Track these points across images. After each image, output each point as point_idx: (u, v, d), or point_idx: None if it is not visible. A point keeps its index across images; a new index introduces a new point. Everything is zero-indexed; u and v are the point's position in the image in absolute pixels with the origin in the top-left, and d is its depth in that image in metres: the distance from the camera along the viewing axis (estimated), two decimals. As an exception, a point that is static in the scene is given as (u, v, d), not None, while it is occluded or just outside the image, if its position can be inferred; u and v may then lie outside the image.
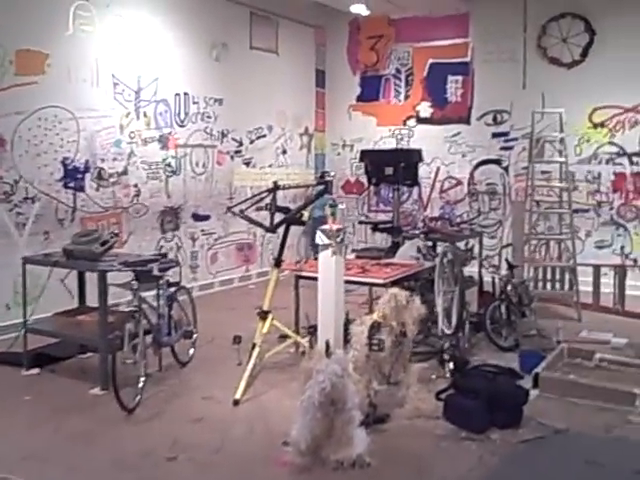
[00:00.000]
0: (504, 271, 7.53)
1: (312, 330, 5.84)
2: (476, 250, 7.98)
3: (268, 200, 6.03)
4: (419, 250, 6.76)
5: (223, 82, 9.67)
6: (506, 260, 7.75)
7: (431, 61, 10.84)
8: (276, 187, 6.09)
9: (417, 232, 7.36)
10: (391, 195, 10.11)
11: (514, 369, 5.59)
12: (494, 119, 10.36)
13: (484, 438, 4.49)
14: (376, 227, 8.84)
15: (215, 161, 9.66)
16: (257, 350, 5.54)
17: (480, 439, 4.47)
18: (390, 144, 11.05)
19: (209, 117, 9.49)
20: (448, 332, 5.89)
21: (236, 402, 5.09)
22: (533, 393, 5.23)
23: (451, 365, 5.70)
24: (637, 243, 9.57)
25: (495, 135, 10.38)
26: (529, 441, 4.47)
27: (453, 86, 10.68)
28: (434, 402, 4.93)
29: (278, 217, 5.98)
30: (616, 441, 4.55)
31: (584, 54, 9.72)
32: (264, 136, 10.55)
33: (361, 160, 9.04)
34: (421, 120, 10.96)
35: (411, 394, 4.90)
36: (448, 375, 5.56)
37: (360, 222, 10.64)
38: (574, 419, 4.86)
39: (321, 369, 3.91)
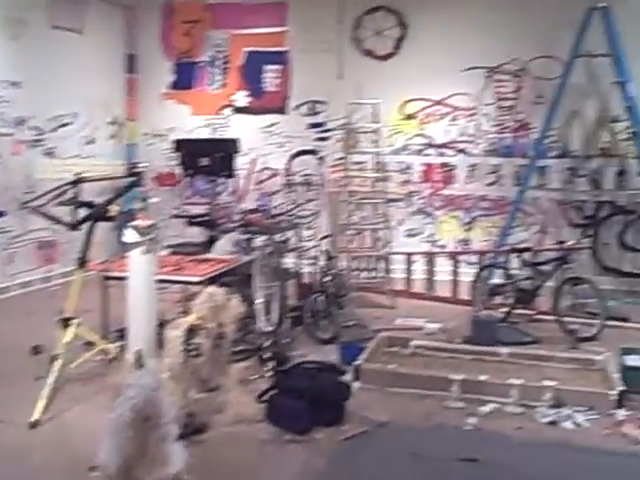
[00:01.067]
0: (323, 262, 7.50)
1: (121, 334, 5.38)
2: (294, 242, 7.89)
3: (71, 194, 5.47)
4: (236, 244, 6.50)
5: (20, 63, 8.75)
6: (325, 251, 7.73)
7: (248, 49, 10.59)
8: (79, 180, 5.54)
9: (234, 225, 7.11)
10: (207, 187, 9.77)
11: (336, 365, 5.51)
12: (311, 109, 10.35)
13: (309, 439, 4.35)
14: (191, 221, 8.44)
15: (11, 151, 8.72)
16: (59, 361, 4.97)
17: (305, 440, 4.33)
18: (205, 134, 10.67)
19: (5, 102, 8.54)
20: (268, 329, 5.71)
21: (34, 424, 4.51)
22: (355, 386, 5.20)
23: (272, 364, 5.51)
24: (444, 231, 10.03)
25: (312, 126, 10.38)
26: (354, 437, 4.40)
27: (270, 75, 10.52)
28: (256, 405, 4.71)
29: (84, 213, 5.45)
30: (436, 429, 4.61)
31: (397, 47, 9.99)
32: (68, 124, 9.72)
33: (176, 150, 8.60)
34: (238, 110, 10.69)
35: (231, 399, 4.64)
36: (269, 374, 5.36)
37: (174, 216, 10.15)
38: (396, 409, 4.88)
39: (132, 383, 3.52)
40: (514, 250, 8.02)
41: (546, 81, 9.38)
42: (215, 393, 4.66)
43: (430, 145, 10.01)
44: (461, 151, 9.92)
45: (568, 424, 4.67)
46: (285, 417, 4.47)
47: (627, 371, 5.36)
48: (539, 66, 9.45)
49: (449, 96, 9.86)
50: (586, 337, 6.70)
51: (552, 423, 4.68)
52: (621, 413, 4.83)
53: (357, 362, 5.48)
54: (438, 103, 9.93)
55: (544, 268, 7.49)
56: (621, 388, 4.99)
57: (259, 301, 5.81)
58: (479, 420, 4.72)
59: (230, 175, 8.65)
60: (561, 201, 9.56)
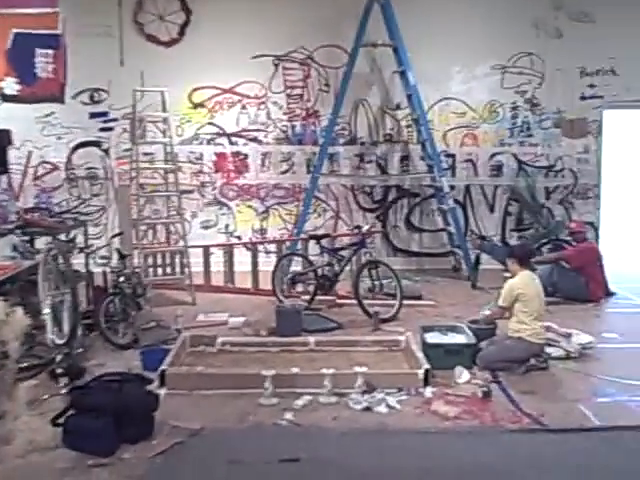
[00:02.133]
0: (115, 262, 6.94)
1: None
2: (81, 241, 7.26)
3: None
4: (15, 248, 5.78)
5: None
6: (117, 250, 7.17)
7: (15, 31, 9.49)
8: None
9: (11, 227, 6.32)
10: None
11: (140, 373, 5.06)
12: (91, 98, 9.58)
13: (115, 460, 3.92)
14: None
15: None
16: None
17: (111, 462, 3.89)
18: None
19: None
20: (60, 342, 5.12)
21: None
22: (162, 393, 4.82)
23: (66, 379, 4.94)
24: (240, 221, 9.85)
25: (93, 115, 9.61)
26: (166, 451, 4.05)
27: (43, 60, 9.54)
28: (50, 429, 4.15)
29: None
30: (253, 430, 4.40)
31: (181, 33, 9.56)
32: None
33: None
34: (7, 98, 9.56)
35: (20, 425, 4.05)
36: (64, 391, 4.79)
37: None
38: (208, 414, 4.60)
39: None
40: (313, 237, 8.06)
41: (332, 70, 9.54)
42: (1, 422, 4.05)
43: (221, 134, 9.75)
44: (253, 140, 9.78)
45: (382, 408, 4.70)
46: (86, 439, 3.98)
47: (429, 348, 5.56)
48: (325, 55, 9.58)
49: (238, 84, 9.66)
50: (386, 318, 6.89)
51: (367, 409, 4.69)
52: (429, 390, 4.98)
53: (161, 367, 5.10)
54: (227, 91, 9.69)
55: (343, 253, 7.61)
56: (426, 366, 5.14)
57: (46, 310, 5.19)
58: (295, 414, 4.59)
59: (3, 171, 7.74)
60: (351, 187, 9.81)
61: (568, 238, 8.58)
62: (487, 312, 6.08)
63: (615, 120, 10.14)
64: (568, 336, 5.97)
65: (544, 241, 9.01)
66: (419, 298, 7.76)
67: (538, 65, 9.66)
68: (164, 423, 4.36)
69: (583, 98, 9.74)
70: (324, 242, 7.83)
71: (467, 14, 9.49)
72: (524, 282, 5.64)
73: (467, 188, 9.83)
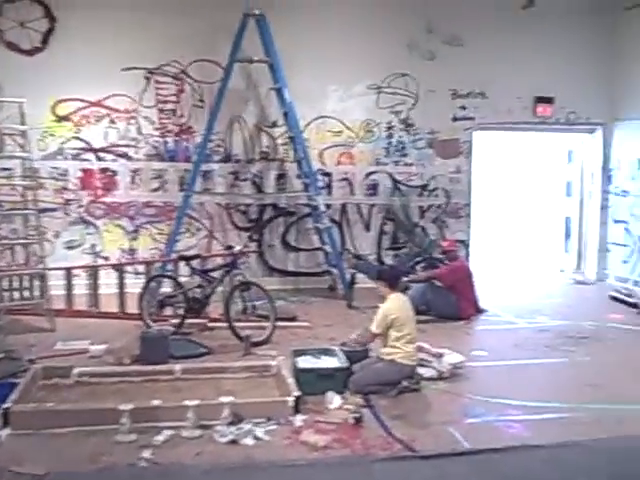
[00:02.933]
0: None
1: None
2: None
3: None
4: None
5: None
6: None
7: None
8: None
9: None
10: None
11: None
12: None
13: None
14: None
15: None
16: None
17: None
18: None
19: None
20: None
21: None
22: (3, 434, 4.34)
23: None
24: (108, 240, 9.33)
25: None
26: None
27: None
28: None
29: None
30: (106, 472, 4.01)
31: (45, 41, 8.97)
32: None
33: None
34: None
35: None
36: None
37: None
38: (56, 456, 4.17)
39: None
40: (182, 258, 7.70)
41: (207, 85, 9.26)
42: None
43: (88, 149, 9.21)
44: (122, 155, 9.30)
45: (249, 440, 4.45)
46: None
47: (300, 374, 5.37)
48: (199, 69, 9.28)
49: (107, 97, 9.17)
50: (259, 341, 6.66)
51: (233, 442, 4.41)
52: (299, 419, 4.77)
53: (4, 405, 4.60)
54: (95, 104, 9.17)
55: (214, 275, 7.31)
56: (296, 393, 4.94)
57: None
58: (155, 452, 4.25)
59: None
60: (226, 205, 9.53)
61: (441, 256, 8.70)
62: (353, 337, 5.95)
63: (484, 141, 10.50)
64: (440, 356, 5.96)
65: (418, 259, 9.11)
66: (294, 319, 7.58)
67: (412, 86, 9.81)
68: (3, 469, 3.90)
69: (455, 119, 9.98)
70: (195, 263, 7.50)
71: (344, 33, 9.49)
72: (397, 306, 5.55)
73: (343, 207, 9.80)
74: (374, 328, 5.52)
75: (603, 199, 10.53)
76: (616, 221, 10.32)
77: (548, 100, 10.09)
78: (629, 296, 9.01)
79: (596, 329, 7.59)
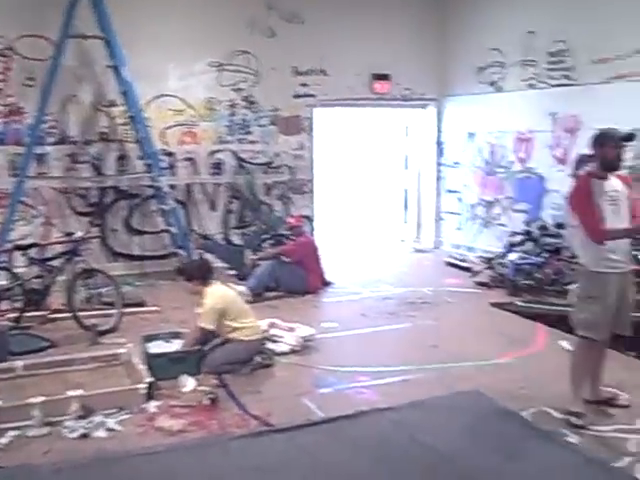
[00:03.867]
0: None
1: None
2: None
3: None
4: None
5: None
6: None
7: None
8: None
9: None
10: None
11: None
12: None
13: None
14: None
15: None
16: None
17: None
18: None
19: None
20: None
21: None
22: None
23: None
24: None
25: None
26: None
27: None
28: None
29: None
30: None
31: None
32: None
33: None
34: None
35: None
36: None
37: None
38: None
39: None
40: (18, 247, 7.25)
41: (37, 62, 8.66)
42: None
43: None
44: (-58, 139, 8.55)
45: (101, 432, 4.33)
46: None
47: (152, 359, 5.28)
48: (28, 45, 8.62)
49: None
50: (106, 330, 6.45)
51: (84, 436, 4.28)
52: (153, 405, 4.71)
53: None
54: None
55: (54, 263, 6.96)
56: (149, 379, 4.86)
57: None
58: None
59: None
60: (64, 189, 9.04)
61: (287, 232, 8.84)
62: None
63: (325, 117, 10.73)
64: (291, 330, 6.09)
65: (265, 237, 9.19)
66: (142, 304, 7.41)
67: (253, 63, 9.77)
68: None
69: (296, 96, 10.09)
70: (32, 252, 7.09)
71: (183, 9, 9.24)
72: (217, 296, 5.55)
73: (188, 187, 9.63)
74: (206, 324, 5.44)
75: (437, 171, 11.15)
76: (449, 191, 10.99)
77: (385, 77, 10.46)
78: (463, 261, 9.67)
79: (435, 294, 8.08)
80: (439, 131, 11.07)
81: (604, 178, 4.49)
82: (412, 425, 4.44)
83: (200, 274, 5.70)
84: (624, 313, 4.59)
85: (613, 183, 4.51)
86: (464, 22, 10.27)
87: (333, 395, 5.06)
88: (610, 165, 4.47)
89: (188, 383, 5.05)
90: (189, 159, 9.62)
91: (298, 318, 6.58)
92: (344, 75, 10.15)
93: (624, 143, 4.46)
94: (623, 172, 4.72)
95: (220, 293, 5.61)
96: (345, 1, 10.05)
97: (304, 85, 10.09)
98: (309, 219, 10.17)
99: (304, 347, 5.99)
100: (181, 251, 8.89)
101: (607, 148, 4.43)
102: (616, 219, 4.42)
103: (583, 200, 4.48)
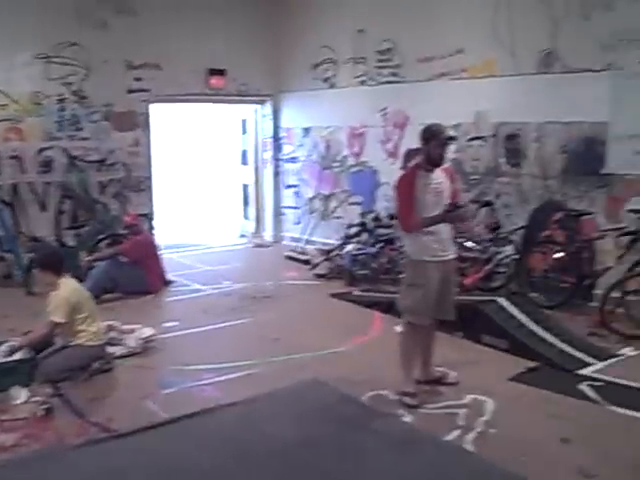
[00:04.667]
0: None
1: None
2: None
3: None
4: None
5: None
6: None
7: None
8: None
9: None
10: None
11: None
12: None
13: None
14: None
15: None
16: None
17: None
18: None
19: None
20: None
21: None
22: None
23: None
24: None
25: None
26: None
27: None
28: None
29: None
30: None
31: None
32: None
33: None
34: None
35: None
36: None
37: None
38: None
39: None
40: None
41: None
42: None
43: None
44: None
45: None
46: None
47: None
48: None
49: None
50: None
51: None
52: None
53: None
54: None
55: None
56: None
57: None
58: None
59: None
60: None
61: (125, 231, 8.58)
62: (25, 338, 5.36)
63: (162, 113, 10.51)
64: (131, 332, 5.94)
65: (101, 237, 8.86)
66: None
67: (83, 56, 9.33)
68: None
69: (131, 91, 9.79)
70: None
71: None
72: (73, 289, 5.36)
73: (15, 187, 9.05)
74: (59, 318, 5.19)
75: (276, 166, 11.31)
76: (288, 186, 11.18)
77: (221, 72, 10.42)
78: (302, 254, 9.90)
79: (276, 288, 8.21)
80: (276, 126, 11.22)
81: (430, 171, 4.79)
82: (256, 418, 4.50)
83: (53, 262, 5.40)
84: (447, 299, 4.93)
85: (438, 175, 4.83)
86: (298, 20, 10.47)
87: (177, 395, 5.01)
88: (435, 160, 4.78)
89: (20, 395, 4.77)
90: (14, 157, 9.03)
91: (138, 319, 6.42)
92: (180, 70, 10.00)
93: (448, 142, 4.81)
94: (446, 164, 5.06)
95: (75, 286, 5.39)
96: (181, -4, 9.93)
97: (138, 80, 9.82)
98: (148, 217, 9.93)
99: (145, 348, 5.87)
100: (9, 255, 8.36)
101: (433, 145, 4.72)
102: (437, 209, 4.74)
103: (404, 190, 4.77)
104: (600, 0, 6.83)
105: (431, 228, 4.71)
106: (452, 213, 4.72)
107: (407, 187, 4.75)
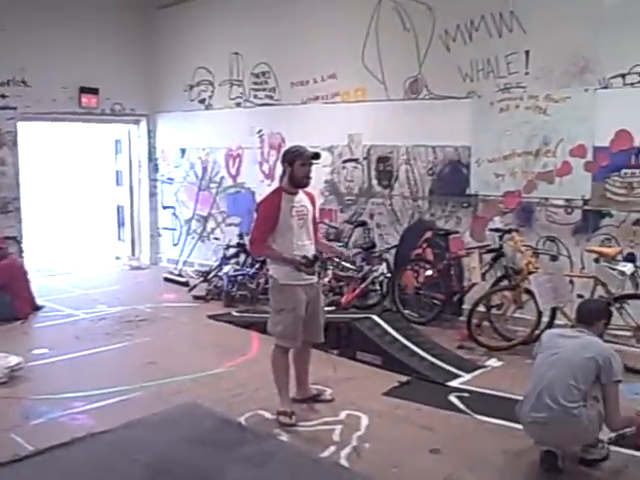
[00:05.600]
0: None
1: None
2: None
3: None
4: None
5: None
6: None
7: None
8: None
9: None
10: None
11: None
12: None
13: None
14: None
15: None
16: None
17: None
18: None
19: None
20: None
21: None
22: None
23: None
24: None
25: None
26: None
27: None
28: None
29: None
30: None
31: None
32: None
33: None
34: None
35: None
36: None
37: None
38: None
39: None
40: None
41: None
42: None
43: None
44: None
45: None
46: None
47: None
48: None
49: None
50: None
51: None
52: None
53: None
54: None
55: None
56: None
57: None
58: None
59: None
60: None
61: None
62: None
63: (32, 132, 10.08)
64: (-5, 361, 5.64)
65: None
66: None
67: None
68: None
69: (-4, 109, 9.35)
70: None
71: None
72: None
73: None
74: None
75: (152, 187, 11.11)
76: (165, 207, 11.01)
77: (93, 91, 10.15)
78: (180, 276, 9.78)
79: (153, 310, 8.05)
80: (152, 147, 11.05)
81: (294, 193, 4.84)
82: (130, 445, 4.40)
83: None
84: (316, 322, 5.00)
85: (301, 198, 4.89)
86: (174, 40, 10.38)
87: (45, 425, 4.80)
88: (299, 182, 4.81)
89: None
90: None
91: (4, 347, 6.10)
92: (49, 87, 9.66)
93: (312, 161, 4.82)
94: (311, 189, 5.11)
95: None
96: (52, 11, 9.58)
97: (3, 97, 9.38)
98: (16, 240, 9.45)
99: (11, 378, 5.58)
100: None
101: (297, 165, 4.76)
102: (303, 234, 4.81)
103: (264, 214, 4.80)
104: (460, 33, 7.28)
105: (296, 252, 4.73)
106: (305, 268, 4.68)
107: (268, 210, 4.76)
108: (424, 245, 7.73)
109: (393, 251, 7.99)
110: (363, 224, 8.22)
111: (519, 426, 4.29)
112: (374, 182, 8.22)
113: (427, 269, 7.48)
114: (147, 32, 10.65)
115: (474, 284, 7.09)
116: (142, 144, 11.07)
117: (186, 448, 4.36)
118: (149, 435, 4.57)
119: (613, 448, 4.16)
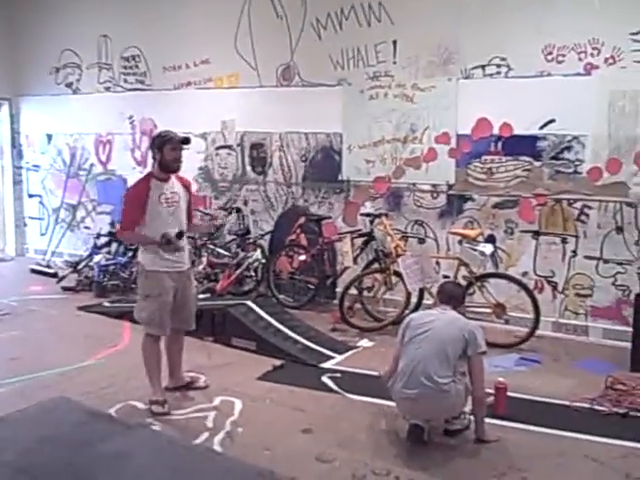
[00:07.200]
0: None
1: None
2: None
3: None
4: None
5: None
6: None
7: None
8: None
9: None
10: None
11: None
12: None
13: None
14: None
15: None
16: None
17: None
18: None
19: None
20: None
21: None
22: None
23: None
24: None
25: None
26: None
27: None
28: None
29: None
30: None
31: None
32: None
33: None
34: None
35: None
36: None
37: None
38: None
39: None
40: None
41: None
42: None
43: None
44: None
45: None
46: None
47: None
48: None
49: None
50: None
51: None
52: None
53: None
54: None
55: None
56: None
57: None
58: None
59: None
60: None
61: None
62: None
63: None
64: None
65: None
66: None
67: None
68: None
69: None
70: None
71: None
72: None
73: None
74: None
75: (16, 174, 10.56)
76: (31, 195, 10.50)
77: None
78: (49, 267, 9.36)
79: (19, 304, 7.67)
80: (15, 132, 10.48)
81: (164, 180, 4.76)
82: (-6, 444, 4.19)
83: None
84: (186, 309, 4.96)
85: (173, 185, 4.81)
86: (36, 21, 9.88)
87: None
88: (169, 167, 4.73)
89: None
90: None
91: None
92: None
93: (182, 146, 4.75)
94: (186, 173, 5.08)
95: None
96: None
97: None
98: None
99: None
100: None
101: (166, 150, 4.68)
102: (172, 220, 4.73)
103: (131, 200, 4.72)
104: (330, 21, 7.39)
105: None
106: (166, 245, 4.65)
107: (135, 196, 4.69)
108: (298, 231, 7.83)
109: (268, 237, 8.03)
110: (238, 210, 8.21)
111: (388, 403, 4.46)
112: (248, 169, 8.22)
113: (301, 254, 7.59)
114: (7, 10, 10.06)
115: (346, 268, 7.26)
116: (4, 129, 10.47)
117: (50, 444, 4.20)
118: (12, 433, 4.37)
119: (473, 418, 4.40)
